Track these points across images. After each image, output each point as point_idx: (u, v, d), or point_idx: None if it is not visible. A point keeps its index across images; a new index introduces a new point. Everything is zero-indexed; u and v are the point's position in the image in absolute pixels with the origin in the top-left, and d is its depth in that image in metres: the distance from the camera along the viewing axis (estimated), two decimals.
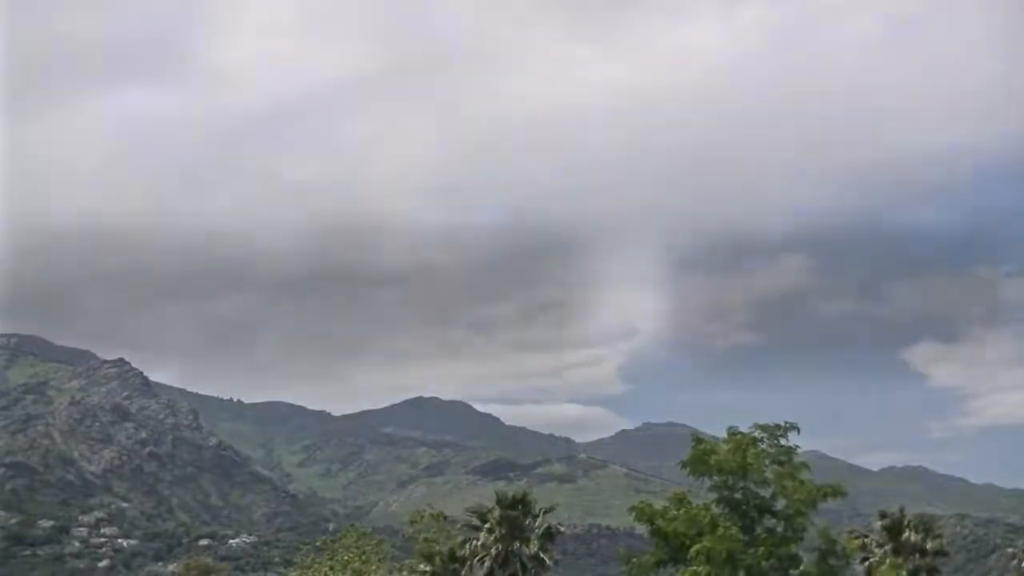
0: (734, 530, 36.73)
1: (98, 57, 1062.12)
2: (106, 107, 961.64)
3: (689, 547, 36.11)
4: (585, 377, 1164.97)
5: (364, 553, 60.19)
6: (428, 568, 60.70)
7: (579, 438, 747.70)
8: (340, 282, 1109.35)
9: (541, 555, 60.90)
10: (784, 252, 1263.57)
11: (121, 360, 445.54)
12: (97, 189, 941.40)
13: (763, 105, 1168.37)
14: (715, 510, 37.97)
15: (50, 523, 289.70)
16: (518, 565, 60.52)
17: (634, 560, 39.01)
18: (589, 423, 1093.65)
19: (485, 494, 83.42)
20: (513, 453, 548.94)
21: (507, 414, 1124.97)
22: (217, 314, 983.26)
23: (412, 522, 62.81)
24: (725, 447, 38.48)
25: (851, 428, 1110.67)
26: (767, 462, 38.44)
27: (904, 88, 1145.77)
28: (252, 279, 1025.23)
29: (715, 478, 38.44)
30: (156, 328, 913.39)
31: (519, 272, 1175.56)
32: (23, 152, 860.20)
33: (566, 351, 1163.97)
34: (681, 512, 37.58)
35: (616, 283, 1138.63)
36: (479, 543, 60.69)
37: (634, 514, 39.07)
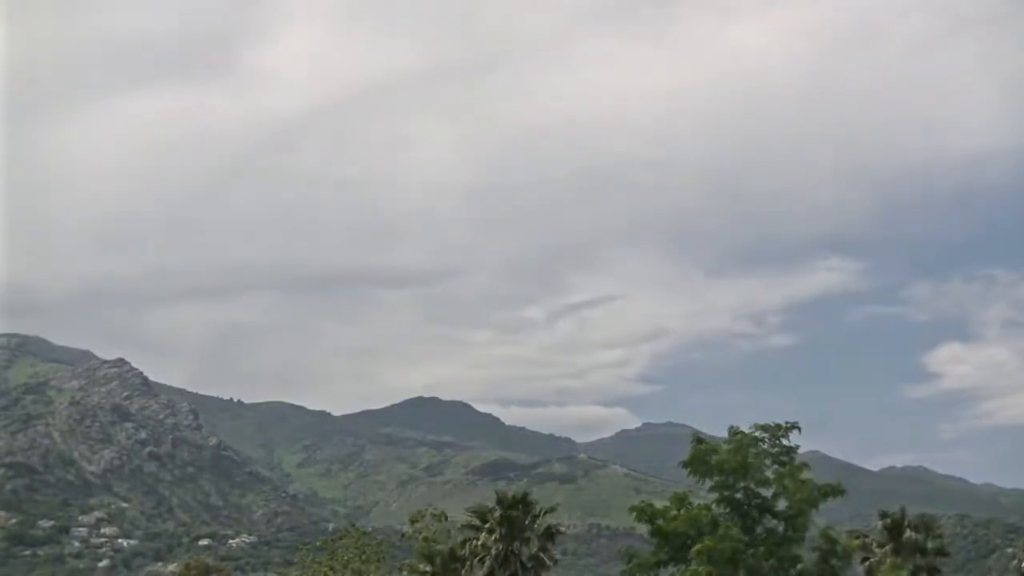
0: (735, 530, 36.73)
1: (137, 55, 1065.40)
2: (143, 106, 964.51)
3: (690, 547, 36.11)
4: (609, 379, 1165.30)
5: (364, 553, 60.22)
6: (428, 568, 60.67)
7: (579, 438, 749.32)
8: (358, 283, 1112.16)
9: (541, 555, 60.87)
10: (817, 255, 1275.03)
11: (121, 360, 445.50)
12: (124, 191, 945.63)
13: (801, 106, 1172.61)
14: (716, 510, 37.97)
15: (50, 523, 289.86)
16: (518, 565, 60.48)
17: (635, 560, 39.00)
18: (611, 424, 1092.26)
19: (485, 494, 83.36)
20: (513, 453, 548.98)
21: (528, 416, 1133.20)
22: (228, 315, 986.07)
23: (413, 521, 62.85)
24: (726, 447, 38.48)
25: (865, 429, 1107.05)
26: (768, 462, 38.45)
27: (942, 90, 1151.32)
28: (270, 280, 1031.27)
29: (716, 478, 38.44)
30: (165, 329, 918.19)
31: (546, 274, 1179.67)
32: (57, 149, 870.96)
33: (590, 352, 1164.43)
34: (682, 512, 37.59)
35: (644, 284, 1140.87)
36: (479, 543, 60.65)
37: (634, 514, 39.09)
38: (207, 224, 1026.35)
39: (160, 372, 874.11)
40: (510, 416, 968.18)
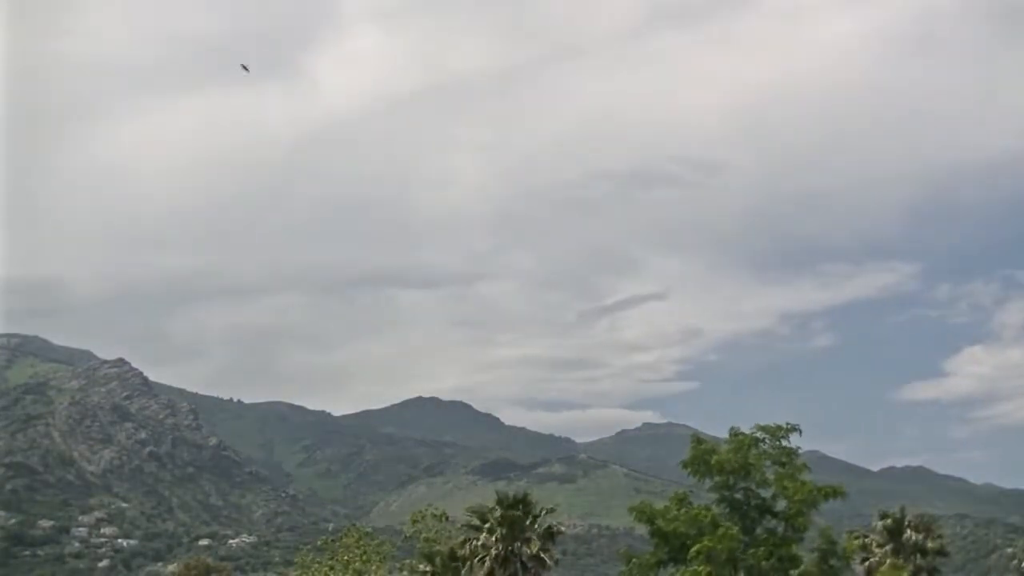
0: (734, 529, 36.74)
1: (186, 57, 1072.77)
2: (190, 106, 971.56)
3: (690, 547, 36.12)
4: (639, 381, 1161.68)
5: (365, 553, 60.19)
6: (428, 568, 60.67)
7: (579, 438, 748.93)
8: (388, 286, 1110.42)
9: (541, 555, 60.83)
10: (857, 259, 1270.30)
11: (121, 360, 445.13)
12: (162, 191, 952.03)
13: (852, 110, 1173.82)
14: (716, 510, 37.99)
15: (50, 523, 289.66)
16: (518, 565, 60.47)
17: (634, 560, 39.02)
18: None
19: (485, 494, 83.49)
20: (513, 453, 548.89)
21: (555, 420, 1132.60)
22: (252, 316, 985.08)
23: (413, 521, 62.85)
24: (726, 448, 38.51)
25: (881, 431, 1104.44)
26: (768, 463, 38.46)
27: (992, 92, 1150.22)
28: (301, 281, 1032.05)
29: (716, 478, 38.44)
30: (187, 330, 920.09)
31: (580, 276, 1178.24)
32: (98, 150, 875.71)
33: (622, 355, 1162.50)
34: (682, 512, 37.61)
35: (681, 287, 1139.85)
36: (479, 543, 60.63)
37: (634, 514, 39.14)
38: (242, 225, 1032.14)
39: (160, 372, 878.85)
40: (536, 420, 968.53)
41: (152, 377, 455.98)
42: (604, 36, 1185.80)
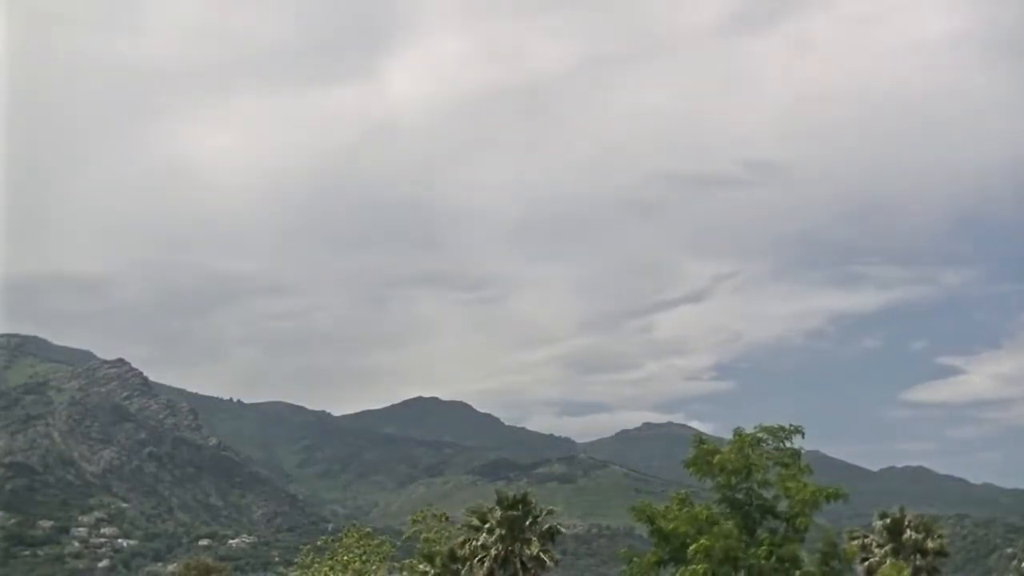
0: (730, 526, 36.74)
1: (252, 59, 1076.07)
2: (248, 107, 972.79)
3: (689, 546, 36.11)
4: (669, 385, 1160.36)
5: (365, 553, 60.15)
6: (428, 568, 60.60)
7: (579, 438, 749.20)
8: (416, 289, 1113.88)
9: (541, 555, 60.79)
10: (902, 263, 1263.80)
11: (121, 360, 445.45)
12: (196, 194, 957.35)
13: (899, 118, 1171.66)
14: (716, 509, 37.98)
15: (50, 523, 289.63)
16: (518, 565, 60.43)
17: (634, 560, 38.97)
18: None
19: (485, 494, 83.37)
20: (513, 453, 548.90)
21: (579, 425, 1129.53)
22: (276, 318, 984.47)
23: (413, 522, 62.78)
24: (728, 448, 38.50)
25: (893, 433, 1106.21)
26: (770, 463, 38.41)
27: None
28: (336, 283, 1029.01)
29: (718, 478, 38.43)
30: (206, 334, 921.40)
31: (617, 280, 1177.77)
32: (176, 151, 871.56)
33: (657, 358, 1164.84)
34: (683, 512, 37.61)
35: (714, 290, 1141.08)
36: (479, 543, 60.57)
37: (634, 514, 39.12)
38: (288, 229, 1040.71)
39: (160, 372, 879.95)
40: (561, 425, 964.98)
41: (155, 378, 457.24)
42: (678, 38, 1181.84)
